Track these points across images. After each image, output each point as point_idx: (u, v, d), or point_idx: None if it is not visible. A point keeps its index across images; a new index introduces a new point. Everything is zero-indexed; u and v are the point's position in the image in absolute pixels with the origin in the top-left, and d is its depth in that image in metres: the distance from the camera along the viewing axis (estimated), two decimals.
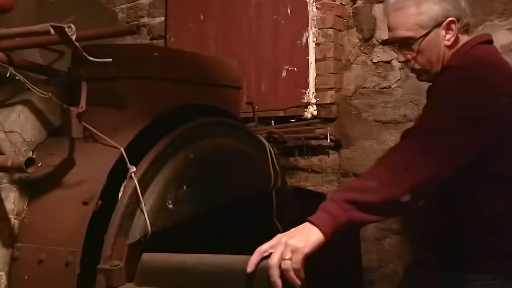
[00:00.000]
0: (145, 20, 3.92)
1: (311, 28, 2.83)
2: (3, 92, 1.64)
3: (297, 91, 2.85)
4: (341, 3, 2.89)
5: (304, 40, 2.85)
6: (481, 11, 2.42)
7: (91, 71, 1.48)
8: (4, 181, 1.46)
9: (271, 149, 2.06)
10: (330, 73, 2.78)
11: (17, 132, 1.55)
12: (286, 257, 1.15)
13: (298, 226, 1.24)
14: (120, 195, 1.41)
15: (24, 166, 1.25)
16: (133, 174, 1.42)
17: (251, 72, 3.03)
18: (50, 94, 1.43)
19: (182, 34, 3.42)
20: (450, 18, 1.51)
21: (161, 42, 3.78)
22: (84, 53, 1.20)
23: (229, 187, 1.75)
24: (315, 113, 2.82)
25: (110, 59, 1.29)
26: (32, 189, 1.49)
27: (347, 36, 2.89)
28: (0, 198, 1.42)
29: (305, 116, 2.85)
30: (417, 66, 1.58)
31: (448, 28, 1.52)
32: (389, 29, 1.60)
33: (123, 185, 1.43)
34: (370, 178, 1.31)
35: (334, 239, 1.22)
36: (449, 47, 1.54)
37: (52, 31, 1.18)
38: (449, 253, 1.56)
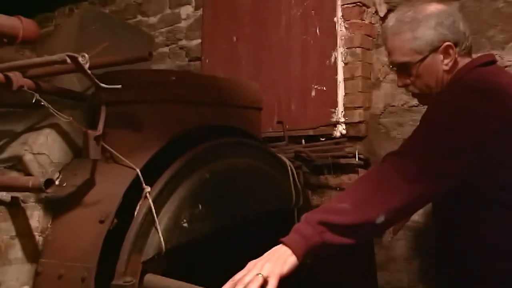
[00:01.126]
0: (183, 42, 4.06)
1: (339, 47, 2.85)
2: (34, 117, 1.76)
3: (326, 110, 2.87)
4: (370, 22, 2.90)
5: (333, 60, 2.87)
6: (511, 27, 2.38)
7: (111, 96, 1.57)
8: (31, 200, 1.56)
9: (292, 168, 2.08)
10: (359, 91, 2.78)
11: (44, 154, 1.66)
12: (260, 274, 1.16)
13: (271, 249, 1.24)
14: (135, 214, 1.48)
15: (43, 187, 1.33)
16: (148, 194, 1.48)
17: (281, 92, 3.07)
18: (71, 118, 1.52)
19: (216, 56, 3.51)
20: (447, 43, 1.48)
21: (198, 64, 3.89)
22: (95, 80, 1.27)
23: (246, 206, 1.79)
24: (344, 131, 2.83)
25: (119, 85, 1.36)
26: (56, 207, 1.58)
27: (376, 55, 2.89)
28: (26, 216, 1.51)
29: (334, 134, 2.85)
30: (416, 91, 1.56)
31: (445, 53, 1.49)
32: (388, 53, 1.59)
33: (138, 205, 1.49)
34: (344, 200, 1.30)
35: (307, 261, 1.23)
36: (447, 71, 1.51)
37: (68, 60, 1.26)
38: (461, 277, 1.52)
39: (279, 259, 1.20)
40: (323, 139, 2.90)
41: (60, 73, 1.50)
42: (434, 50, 1.49)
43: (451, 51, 1.49)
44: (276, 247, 1.24)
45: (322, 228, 1.24)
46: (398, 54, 1.53)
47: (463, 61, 1.52)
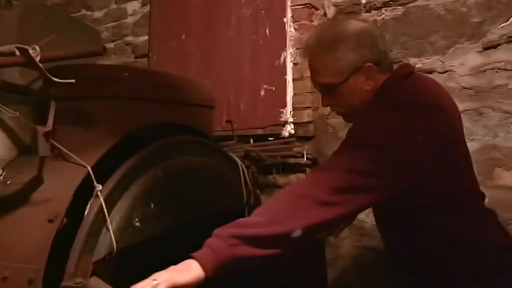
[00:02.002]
0: (130, 38, 3.98)
1: (288, 48, 2.88)
2: None
3: (275, 110, 2.89)
4: (319, 24, 2.94)
5: (282, 60, 2.90)
6: (452, 33, 2.49)
7: (61, 91, 1.51)
8: None
9: (244, 167, 2.09)
10: (307, 92, 2.82)
11: None
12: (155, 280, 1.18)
13: (181, 262, 1.26)
14: (86, 213, 1.44)
15: None
16: (99, 192, 1.44)
17: (231, 91, 3.07)
18: (18, 114, 1.45)
19: (165, 53, 3.46)
20: (368, 64, 1.49)
21: (145, 61, 3.82)
22: (47, 74, 1.23)
23: (199, 205, 1.77)
24: (292, 131, 2.86)
25: (73, 80, 1.32)
26: (1, 206, 1.51)
27: None
28: None
29: (283, 134, 2.88)
30: (341, 110, 1.59)
31: (367, 73, 1.50)
32: (310, 72, 1.59)
33: (89, 203, 1.45)
34: (261, 214, 1.32)
35: (218, 275, 1.24)
36: (370, 90, 1.51)
37: (17, 52, 1.21)
38: (423, 276, 1.54)
39: (182, 270, 1.22)
40: (272, 139, 2.92)
41: (6, 66, 1.43)
42: (356, 70, 1.49)
43: (372, 71, 1.49)
44: (186, 260, 1.26)
45: (233, 241, 1.24)
46: (320, 75, 1.53)
47: (384, 77, 1.52)
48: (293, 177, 2.91)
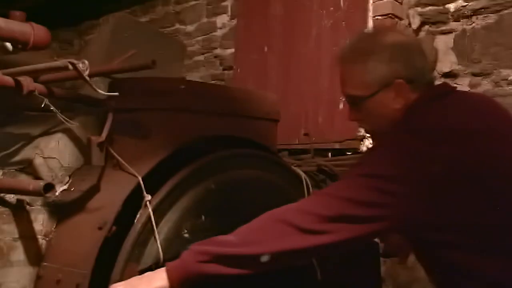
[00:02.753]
0: (218, 51, 4.08)
1: None
2: (50, 121, 1.79)
3: (353, 123, 2.79)
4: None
5: None
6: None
7: (120, 103, 1.57)
8: (37, 203, 1.58)
9: (308, 181, 2.03)
10: None
11: (55, 158, 1.67)
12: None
13: (155, 270, 1.30)
14: (135, 222, 1.47)
15: (42, 191, 1.34)
16: (148, 203, 1.47)
17: (309, 104, 3.03)
18: (78, 124, 1.53)
19: (247, 65, 3.51)
20: (399, 80, 1.34)
21: (231, 73, 3.90)
22: (93, 86, 1.28)
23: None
24: (370, 146, 2.75)
25: (117, 93, 1.36)
26: (61, 212, 1.60)
27: None
28: (30, 219, 1.53)
29: (361, 149, 2.79)
30: (367, 127, 1.48)
31: (397, 90, 1.35)
32: (340, 83, 1.46)
33: (139, 213, 1.49)
34: (236, 234, 1.29)
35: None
36: (399, 110, 1.35)
37: (70, 66, 1.27)
38: None
39: (148, 279, 1.26)
40: (350, 153, 2.83)
41: (67, 80, 1.52)
42: (386, 86, 1.35)
43: (403, 88, 1.35)
44: (159, 269, 1.29)
45: (202, 257, 1.24)
46: (348, 86, 1.41)
47: (415, 95, 1.36)
48: None
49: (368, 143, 2.77)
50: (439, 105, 1.33)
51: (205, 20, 4.21)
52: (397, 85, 1.34)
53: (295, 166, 2.21)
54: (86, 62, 1.26)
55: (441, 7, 2.68)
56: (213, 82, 3.93)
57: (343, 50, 1.46)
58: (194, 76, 4.10)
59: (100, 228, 1.44)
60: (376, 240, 2.01)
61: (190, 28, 4.31)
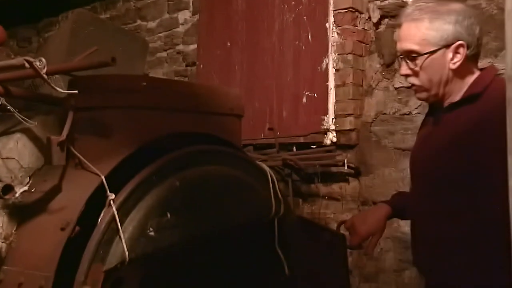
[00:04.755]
0: (180, 47, 4.05)
1: (331, 53, 2.82)
2: (9, 121, 1.74)
3: (317, 117, 2.83)
4: (363, 28, 2.85)
5: (324, 66, 2.83)
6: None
7: (81, 101, 1.54)
8: None
9: (273, 175, 2.03)
10: (349, 99, 2.74)
11: (14, 159, 1.63)
12: None
13: None
14: (98, 221, 1.45)
15: (1, 193, 1.30)
16: (111, 202, 1.45)
17: (273, 98, 3.04)
18: (36, 123, 1.49)
19: (211, 61, 3.49)
20: (460, 42, 1.48)
21: (194, 69, 3.88)
22: (52, 84, 1.25)
23: (219, 215, 1.74)
24: (334, 139, 2.79)
25: (76, 91, 1.34)
26: (22, 214, 1.56)
27: (369, 62, 2.85)
28: None
29: (325, 142, 2.81)
30: (417, 83, 1.55)
31: (456, 52, 1.49)
32: (398, 39, 1.58)
33: (102, 212, 1.46)
34: None
35: None
36: (453, 70, 1.51)
37: (26, 64, 1.24)
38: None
39: None
40: (314, 147, 2.86)
41: (25, 78, 1.48)
42: (446, 46, 1.48)
43: (462, 50, 1.48)
44: None
45: None
46: (409, 41, 1.52)
47: (469, 66, 1.52)
48: (335, 186, 2.83)
49: (331, 136, 2.80)
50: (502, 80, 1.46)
51: (167, 16, 4.17)
52: (457, 47, 1.48)
53: (260, 161, 2.22)
54: (44, 60, 1.23)
55: (400, 1, 2.73)
56: (176, 78, 3.90)
57: (407, 10, 1.57)
58: (157, 73, 4.06)
59: (63, 229, 1.40)
60: (343, 232, 2.04)
61: (152, 24, 4.26)
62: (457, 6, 1.52)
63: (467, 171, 1.47)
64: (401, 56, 1.57)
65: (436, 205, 1.56)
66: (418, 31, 1.50)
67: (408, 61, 1.54)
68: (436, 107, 1.63)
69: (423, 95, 1.58)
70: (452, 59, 1.49)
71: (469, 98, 1.51)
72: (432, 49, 1.49)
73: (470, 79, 1.54)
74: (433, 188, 1.57)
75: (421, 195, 1.63)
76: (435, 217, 1.56)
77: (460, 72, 1.51)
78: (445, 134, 1.55)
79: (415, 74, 1.54)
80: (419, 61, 1.51)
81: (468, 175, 1.47)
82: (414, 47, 1.51)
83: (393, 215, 1.86)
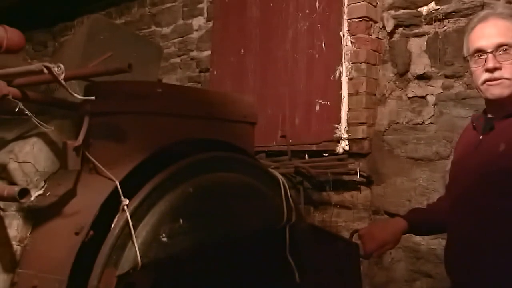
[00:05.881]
0: (194, 53, 4.07)
1: (344, 62, 2.82)
2: (25, 125, 1.76)
3: (329, 125, 2.83)
4: (377, 37, 2.86)
5: (337, 74, 2.83)
6: None
7: (96, 107, 1.56)
8: (11, 209, 1.55)
9: (285, 183, 2.04)
10: (362, 108, 2.74)
11: (30, 162, 1.65)
12: None
13: None
14: (112, 226, 1.46)
15: (17, 196, 1.32)
16: (125, 207, 1.46)
17: (286, 105, 3.05)
18: (52, 128, 1.51)
19: (224, 68, 3.51)
20: None
21: (208, 75, 3.90)
22: (69, 90, 1.27)
23: (232, 221, 1.75)
24: (347, 148, 2.78)
25: (93, 97, 1.35)
26: (37, 217, 1.57)
27: (382, 71, 2.84)
28: (4, 225, 1.50)
29: (337, 150, 2.81)
30: (506, 76, 1.60)
31: None
32: (484, 36, 1.65)
33: (116, 217, 1.48)
34: None
35: None
36: None
37: (45, 70, 1.25)
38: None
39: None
40: (326, 155, 2.86)
41: (42, 83, 1.50)
42: None
43: None
44: None
45: None
46: (500, 35, 1.62)
47: None
48: (347, 195, 2.82)
49: (344, 144, 2.79)
50: None
51: (181, 22, 4.20)
52: None
53: (272, 168, 2.22)
54: (62, 66, 1.25)
55: (414, 11, 2.72)
56: (189, 84, 3.93)
57: (495, 11, 1.69)
58: (170, 78, 4.09)
59: (77, 233, 1.42)
60: (356, 241, 2.03)
61: (166, 30, 4.30)
62: None
63: None
64: (481, 56, 1.64)
65: (490, 209, 1.57)
66: (510, 26, 1.63)
67: (498, 53, 1.61)
68: (487, 113, 1.69)
69: (499, 90, 1.62)
70: None
71: None
72: None
73: None
74: (488, 193, 1.59)
75: (471, 200, 1.64)
76: (489, 220, 1.57)
77: None
78: (502, 140, 1.59)
79: (504, 67, 1.60)
80: (509, 54, 1.59)
81: None
82: (506, 39, 1.60)
83: (409, 231, 1.87)
